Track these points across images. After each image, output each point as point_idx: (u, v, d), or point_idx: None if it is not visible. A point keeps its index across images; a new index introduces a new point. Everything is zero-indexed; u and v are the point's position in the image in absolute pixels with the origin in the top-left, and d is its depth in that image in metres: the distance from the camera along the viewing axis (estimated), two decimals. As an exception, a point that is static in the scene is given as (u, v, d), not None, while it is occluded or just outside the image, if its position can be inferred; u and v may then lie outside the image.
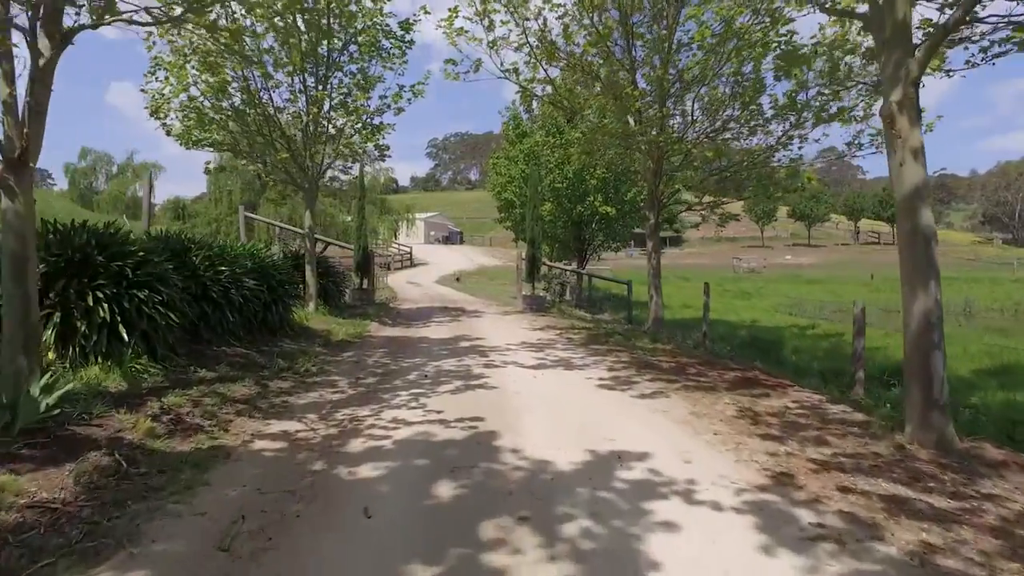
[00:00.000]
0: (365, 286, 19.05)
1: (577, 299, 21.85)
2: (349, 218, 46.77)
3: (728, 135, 12.37)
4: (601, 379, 8.36)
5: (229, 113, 12.45)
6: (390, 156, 16.00)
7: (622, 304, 24.97)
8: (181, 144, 12.15)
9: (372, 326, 13.82)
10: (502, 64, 14.07)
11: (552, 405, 6.82)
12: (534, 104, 16.93)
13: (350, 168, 15.38)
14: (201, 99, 12.25)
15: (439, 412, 6.30)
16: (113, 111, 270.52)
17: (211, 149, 12.72)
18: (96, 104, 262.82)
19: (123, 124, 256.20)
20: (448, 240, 68.27)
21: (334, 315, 13.94)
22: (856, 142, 12.94)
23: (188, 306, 8.08)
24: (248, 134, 13.04)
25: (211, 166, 12.93)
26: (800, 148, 12.22)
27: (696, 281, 41.48)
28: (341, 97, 13.62)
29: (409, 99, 14.23)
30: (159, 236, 9.04)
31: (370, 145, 14.29)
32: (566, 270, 21.15)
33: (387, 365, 9.11)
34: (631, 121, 13.58)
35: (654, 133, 12.85)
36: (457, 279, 36.90)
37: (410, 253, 46.76)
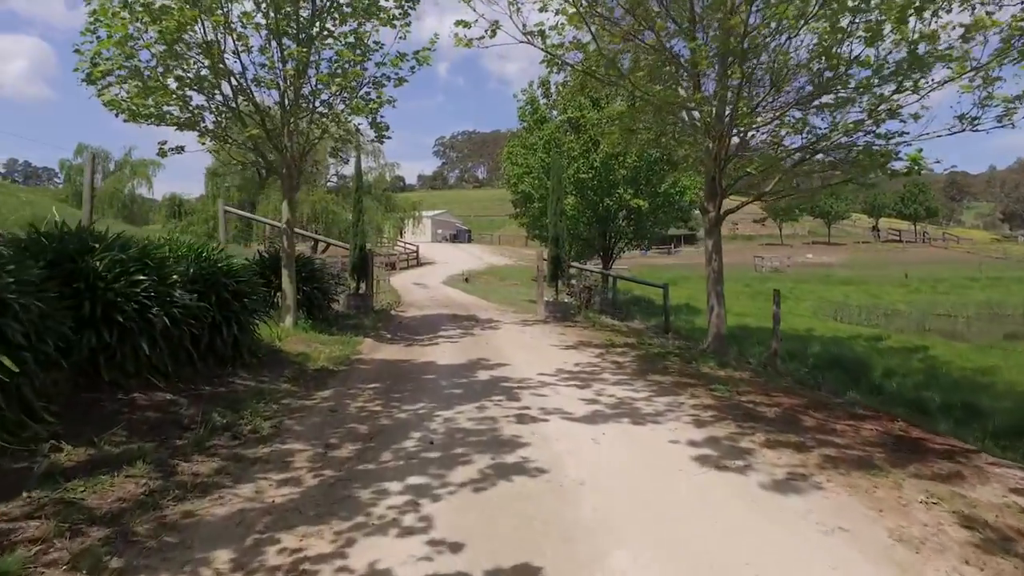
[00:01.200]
0: (362, 291, 16.20)
1: (601, 304, 18.97)
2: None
3: (822, 101, 9.37)
4: (695, 444, 5.47)
5: (184, 77, 9.61)
6: (389, 137, 13.31)
7: (650, 309, 22.03)
8: (118, 115, 9.29)
9: (366, 344, 10.94)
10: (524, 26, 11.16)
11: (649, 519, 3.91)
12: (562, 75, 14.11)
13: (342, 152, 12.49)
14: (152, 62, 9.43)
15: (455, 548, 3.41)
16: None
17: (160, 123, 9.86)
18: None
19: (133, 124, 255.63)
20: (456, 239, 65.45)
21: (319, 330, 11.08)
22: (967, 116, 9.97)
23: (73, 335, 5.26)
24: (216, 109, 10.23)
25: (166, 148, 10.11)
26: (917, 119, 9.24)
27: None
28: (328, 62, 10.76)
29: (412, 67, 11.36)
30: (51, 232, 6.19)
31: (362, 120, 11.43)
32: (594, 272, 18.21)
33: (375, 417, 6.22)
34: (682, 91, 10.71)
35: (715, 102, 9.96)
36: (466, 280, 34.12)
37: (416, 252, 44.02)
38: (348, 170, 61.53)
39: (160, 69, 9.33)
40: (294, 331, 10.36)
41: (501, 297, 23.32)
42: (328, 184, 44.80)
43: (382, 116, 11.71)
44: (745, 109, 8.92)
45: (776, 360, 11.24)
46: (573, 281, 17.49)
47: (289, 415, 6.19)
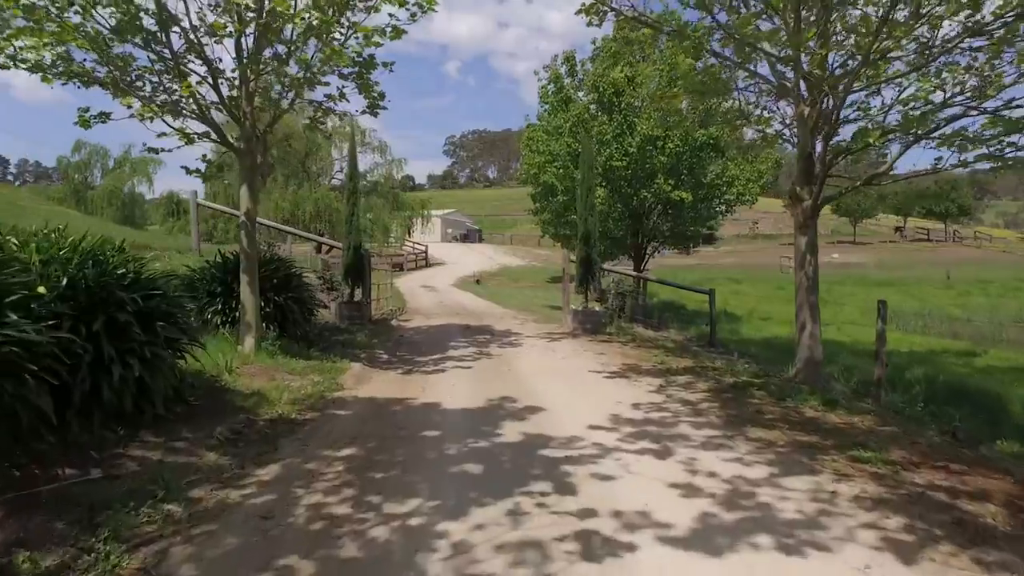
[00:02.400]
0: (357, 298, 13.60)
1: (632, 311, 16.28)
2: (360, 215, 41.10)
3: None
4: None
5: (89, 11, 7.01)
6: (384, 107, 9.15)
7: (683, 316, 19.25)
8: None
9: (351, 373, 8.30)
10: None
11: None
12: (599, 37, 11.43)
13: (321, 124, 9.81)
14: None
15: None
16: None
17: (84, 83, 7.28)
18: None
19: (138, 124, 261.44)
20: (466, 238, 62.82)
21: (293, 353, 8.44)
22: None
23: None
24: (153, 69, 7.62)
25: (88, 115, 7.67)
26: None
27: (749, 284, 35.50)
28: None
29: (413, 14, 8.69)
30: None
31: (350, 85, 8.82)
32: (628, 275, 15.47)
33: (335, 534, 3.54)
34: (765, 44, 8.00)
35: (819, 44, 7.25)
36: (477, 281, 31.64)
37: (425, 252, 41.48)
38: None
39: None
40: (256, 357, 7.74)
41: (518, 302, 20.69)
42: (333, 181, 42.47)
43: (375, 80, 9.14)
44: (895, 39, 6.13)
45: (881, 390, 8.59)
46: (602, 286, 14.79)
47: (187, 530, 3.56)
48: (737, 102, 9.60)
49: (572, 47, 16.22)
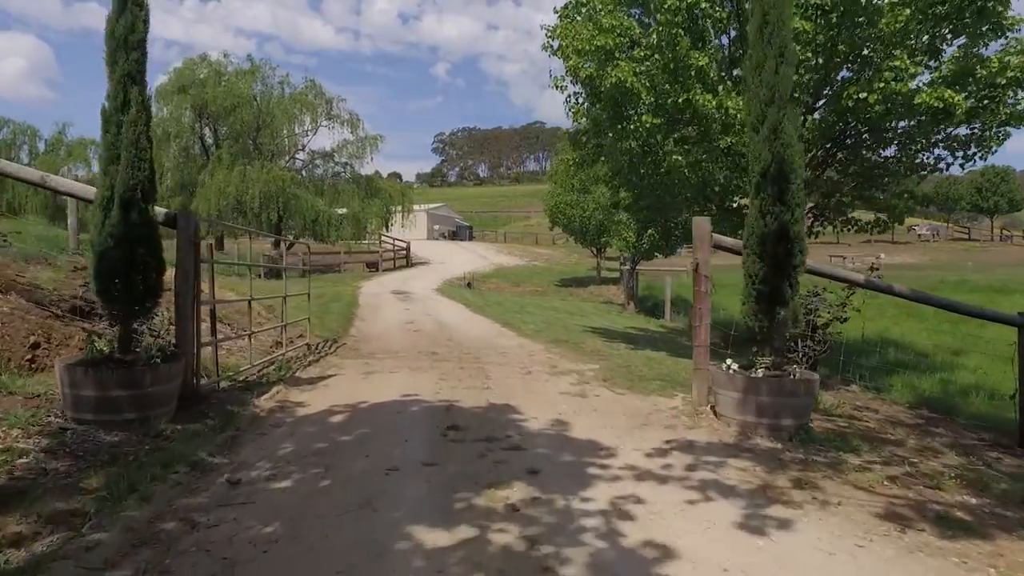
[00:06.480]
0: (146, 342, 4.58)
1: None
2: (323, 205, 31.38)
3: None
4: None
5: None
6: None
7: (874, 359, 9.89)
8: None
9: None
10: None
11: None
12: None
13: None
14: None
15: None
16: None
17: None
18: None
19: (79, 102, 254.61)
20: (456, 236, 53.83)
21: None
22: None
23: None
24: None
25: None
26: None
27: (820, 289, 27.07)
28: None
29: None
30: None
31: None
32: (850, 282, 6.40)
33: None
34: None
35: None
36: (468, 285, 22.74)
37: (407, 250, 32.52)
38: (320, 142, 48.79)
39: None
40: None
41: (538, 323, 11.76)
42: (296, 162, 33.43)
43: None
44: None
45: None
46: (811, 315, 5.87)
47: None
48: None
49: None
